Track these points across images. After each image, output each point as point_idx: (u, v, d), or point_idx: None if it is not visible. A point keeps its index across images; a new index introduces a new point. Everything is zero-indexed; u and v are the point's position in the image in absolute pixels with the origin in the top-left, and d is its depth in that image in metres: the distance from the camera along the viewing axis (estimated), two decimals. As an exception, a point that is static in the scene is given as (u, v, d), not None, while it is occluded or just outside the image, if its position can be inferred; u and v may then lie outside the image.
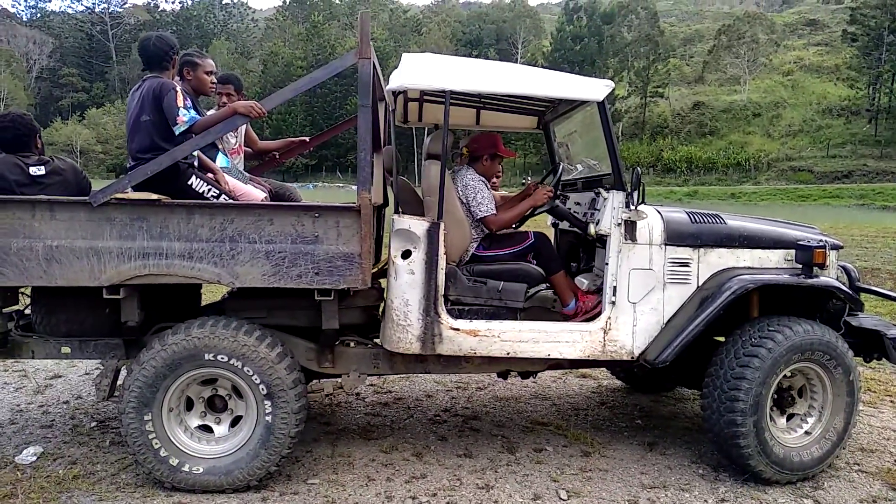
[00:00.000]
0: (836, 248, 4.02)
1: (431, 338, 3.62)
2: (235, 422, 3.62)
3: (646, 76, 65.63)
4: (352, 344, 3.92)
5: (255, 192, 3.97)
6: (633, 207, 3.68)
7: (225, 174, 3.96)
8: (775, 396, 3.82)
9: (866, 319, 4.19)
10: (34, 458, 3.82)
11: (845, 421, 3.78)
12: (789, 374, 3.82)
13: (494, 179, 6.08)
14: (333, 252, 3.47)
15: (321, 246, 3.46)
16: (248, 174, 4.56)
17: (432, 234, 3.57)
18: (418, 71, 3.58)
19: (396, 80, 3.54)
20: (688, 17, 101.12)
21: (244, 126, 4.88)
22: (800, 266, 3.81)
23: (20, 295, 3.92)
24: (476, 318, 3.71)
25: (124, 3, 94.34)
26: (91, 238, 3.38)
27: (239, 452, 3.51)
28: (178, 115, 3.44)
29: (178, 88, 3.50)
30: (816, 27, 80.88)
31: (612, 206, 3.75)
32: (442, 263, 3.60)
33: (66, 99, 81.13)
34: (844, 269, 4.38)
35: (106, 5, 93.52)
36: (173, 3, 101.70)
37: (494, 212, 3.96)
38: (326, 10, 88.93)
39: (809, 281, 3.73)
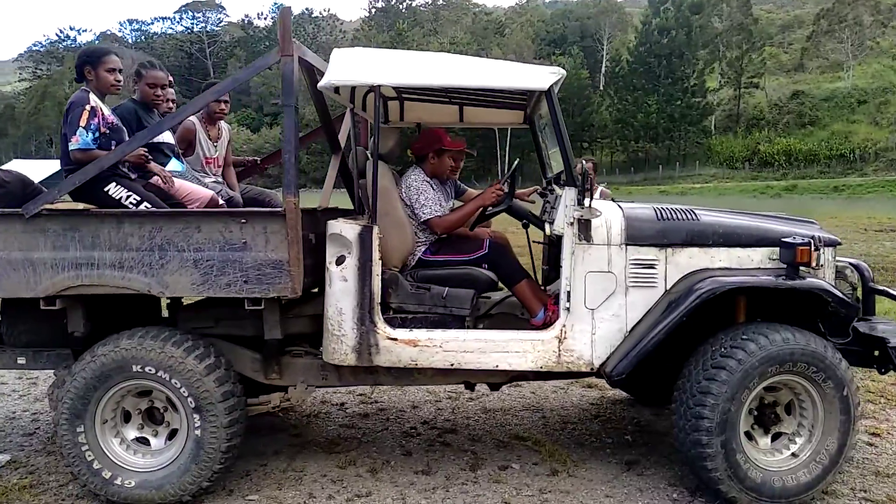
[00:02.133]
0: (830, 244, 3.53)
1: (367, 348, 3.41)
2: (173, 435, 3.54)
3: (739, 66, 62.72)
4: (300, 354, 3.77)
5: (200, 191, 3.86)
6: (586, 205, 3.35)
7: (176, 178, 3.90)
8: (756, 413, 3.40)
9: (880, 325, 3.68)
10: (-3, 467, 3.89)
11: (839, 442, 3.30)
12: (777, 388, 3.39)
13: None
14: (262, 259, 3.33)
15: (249, 253, 3.34)
16: (210, 179, 4.50)
17: (364, 238, 3.37)
18: (346, 66, 3.39)
19: (325, 78, 3.38)
20: (787, 2, 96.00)
21: (227, 141, 4.85)
22: (784, 266, 3.37)
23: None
24: (418, 327, 3.49)
25: (220, 22, 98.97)
26: (27, 249, 3.37)
27: (171, 466, 3.41)
28: (75, 135, 3.41)
29: (88, 107, 3.44)
30: (931, 4, 74.83)
31: (564, 204, 3.44)
32: (377, 269, 3.39)
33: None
34: (857, 267, 3.86)
35: (204, 25, 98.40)
36: (265, 19, 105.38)
37: (439, 213, 3.73)
38: (410, 17, 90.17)
39: (790, 283, 3.28)
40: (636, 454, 3.99)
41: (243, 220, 3.34)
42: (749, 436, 3.39)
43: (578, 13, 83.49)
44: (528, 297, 3.69)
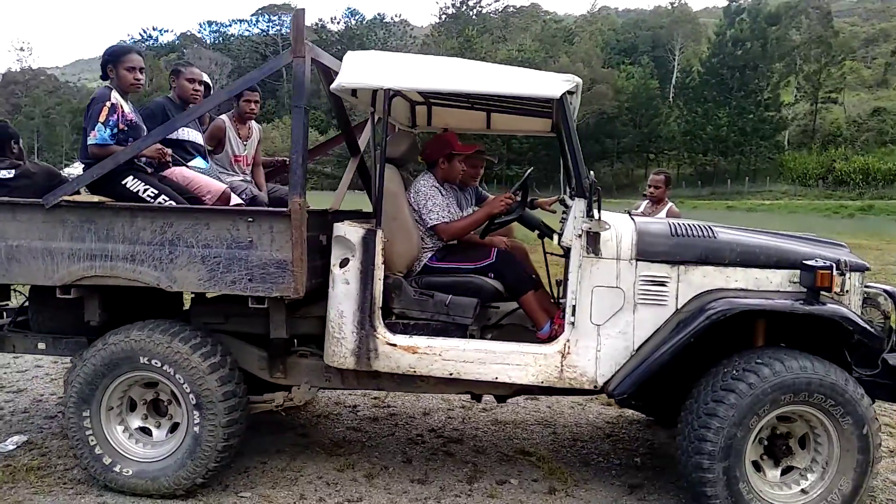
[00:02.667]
0: (857, 269, 3.33)
1: (366, 353, 3.39)
2: (174, 428, 3.59)
3: (817, 80, 60.42)
4: (306, 355, 3.77)
5: (213, 183, 3.92)
6: (594, 217, 3.23)
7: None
8: (766, 443, 3.23)
9: (914, 358, 3.44)
10: (13, 448, 4.02)
11: (855, 483, 3.10)
12: (792, 419, 3.22)
13: None
14: (267, 258, 3.35)
15: (255, 252, 3.36)
16: (238, 177, 4.57)
17: (368, 241, 3.35)
18: (357, 69, 3.37)
19: (336, 80, 3.38)
20: (872, 15, 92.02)
21: (257, 140, 4.91)
22: (804, 290, 3.19)
23: (14, 292, 4.18)
24: (419, 334, 3.44)
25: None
26: (47, 239, 3.48)
27: (168, 460, 3.47)
28: (93, 130, 3.50)
29: (108, 103, 3.53)
30: None
31: (573, 216, 3.34)
32: (379, 273, 3.36)
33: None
34: (891, 295, 3.62)
35: (279, 28, 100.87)
36: (338, 23, 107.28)
37: (446, 220, 3.68)
38: (480, 23, 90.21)
39: (807, 308, 3.10)
40: (642, 478, 3.84)
41: (250, 219, 3.36)
42: (757, 466, 3.23)
43: (651, 22, 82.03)
44: (534, 309, 3.61)
